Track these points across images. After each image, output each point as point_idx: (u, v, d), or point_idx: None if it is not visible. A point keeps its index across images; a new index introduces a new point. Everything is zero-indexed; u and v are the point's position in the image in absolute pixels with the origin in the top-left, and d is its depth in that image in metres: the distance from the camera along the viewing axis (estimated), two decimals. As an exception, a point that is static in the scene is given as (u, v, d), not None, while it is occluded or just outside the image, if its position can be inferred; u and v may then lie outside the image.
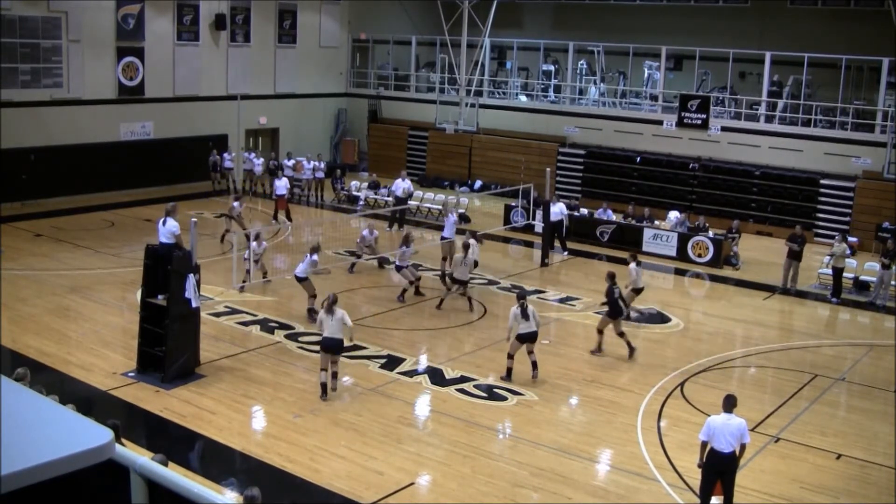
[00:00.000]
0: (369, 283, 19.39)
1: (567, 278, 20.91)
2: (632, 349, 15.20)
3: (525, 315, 13.62)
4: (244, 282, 18.09)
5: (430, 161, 32.95)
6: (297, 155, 28.93)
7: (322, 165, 28.49)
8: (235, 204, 21.90)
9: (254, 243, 18.45)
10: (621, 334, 15.19)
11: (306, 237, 24.00)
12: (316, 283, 16.96)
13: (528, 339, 13.76)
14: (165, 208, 15.44)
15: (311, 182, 28.21)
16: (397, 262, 18.28)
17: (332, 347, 12.83)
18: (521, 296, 13.95)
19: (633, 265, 17.01)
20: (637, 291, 17.22)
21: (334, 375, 13.07)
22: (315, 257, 16.75)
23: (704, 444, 9.61)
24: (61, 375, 13.36)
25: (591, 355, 15.27)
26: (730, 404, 9.71)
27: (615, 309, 15.12)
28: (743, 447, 9.63)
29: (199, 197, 27.78)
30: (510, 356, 13.93)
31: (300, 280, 16.73)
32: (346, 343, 13.16)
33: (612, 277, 15.31)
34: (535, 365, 13.87)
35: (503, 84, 34.20)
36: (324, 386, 12.89)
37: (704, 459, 9.64)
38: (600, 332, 15.41)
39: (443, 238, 20.34)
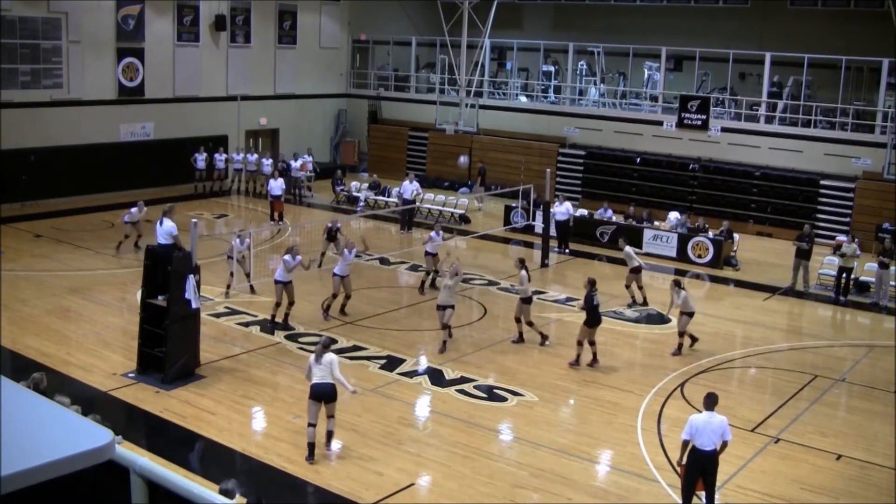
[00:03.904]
0: (369, 283, 19.38)
1: (567, 279, 20.90)
2: (595, 359, 14.81)
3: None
4: (228, 286, 17.68)
5: (430, 162, 32.95)
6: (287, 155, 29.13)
7: (294, 164, 28.51)
8: (134, 210, 20.92)
9: (236, 240, 17.31)
10: (591, 343, 14.78)
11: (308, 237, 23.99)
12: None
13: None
14: (163, 209, 15.57)
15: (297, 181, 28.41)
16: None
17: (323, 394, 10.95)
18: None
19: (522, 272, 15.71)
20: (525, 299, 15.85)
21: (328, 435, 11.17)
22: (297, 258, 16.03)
23: (686, 443, 9.65)
24: (61, 376, 13.33)
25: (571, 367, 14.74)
26: (711, 402, 9.77)
27: (592, 316, 14.67)
28: (724, 444, 9.68)
29: (198, 198, 27.82)
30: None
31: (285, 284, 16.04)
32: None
33: (591, 284, 14.89)
34: None
35: (503, 85, 34.19)
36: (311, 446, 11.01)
37: (686, 458, 9.67)
38: (580, 343, 14.80)
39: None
